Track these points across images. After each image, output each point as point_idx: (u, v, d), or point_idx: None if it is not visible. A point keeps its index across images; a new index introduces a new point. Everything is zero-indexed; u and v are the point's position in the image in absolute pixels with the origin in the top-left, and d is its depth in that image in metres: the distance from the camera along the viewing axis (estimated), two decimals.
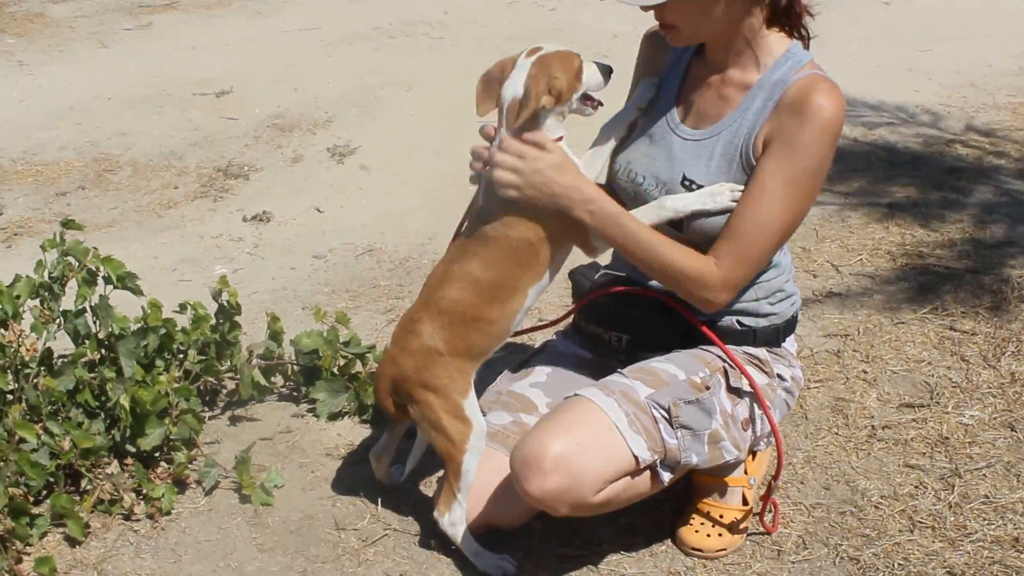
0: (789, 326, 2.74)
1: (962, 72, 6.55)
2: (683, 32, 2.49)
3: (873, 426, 3.20)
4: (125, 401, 2.77)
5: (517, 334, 2.83)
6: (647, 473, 2.46)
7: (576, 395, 2.50)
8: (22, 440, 2.62)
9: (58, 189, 5.09)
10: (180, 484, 2.89)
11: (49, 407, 2.85)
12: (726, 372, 2.57)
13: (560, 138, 2.51)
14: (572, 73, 2.47)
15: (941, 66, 6.65)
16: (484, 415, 2.81)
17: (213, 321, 3.22)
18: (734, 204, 2.47)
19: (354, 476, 2.95)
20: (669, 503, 2.82)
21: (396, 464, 2.88)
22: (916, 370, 3.49)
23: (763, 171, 2.45)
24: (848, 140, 5.49)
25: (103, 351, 3.04)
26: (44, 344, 3.00)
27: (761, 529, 2.76)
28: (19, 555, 2.59)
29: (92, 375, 2.94)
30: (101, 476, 2.81)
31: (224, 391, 3.34)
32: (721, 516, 2.70)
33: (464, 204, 4.77)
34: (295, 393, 3.36)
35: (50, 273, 3.07)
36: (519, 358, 2.94)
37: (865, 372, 3.48)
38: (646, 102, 2.66)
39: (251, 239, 4.64)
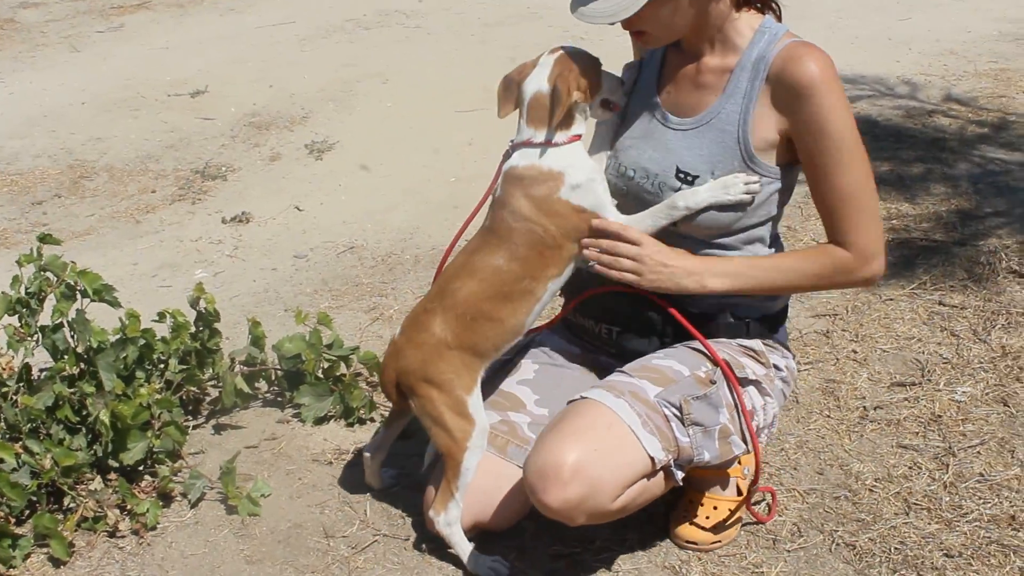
0: (782, 314, 2.71)
1: (942, 40, 6.52)
2: (654, 35, 2.47)
3: (865, 407, 3.17)
4: (105, 416, 2.73)
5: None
6: (660, 474, 2.42)
7: (584, 398, 2.45)
8: (0, 461, 2.57)
9: (34, 198, 5.04)
10: (165, 497, 2.85)
11: (28, 425, 2.80)
12: (728, 364, 2.53)
13: (579, 136, 2.49)
14: (595, 74, 2.47)
15: (920, 35, 6.63)
16: None
17: (193, 329, 3.17)
18: (748, 196, 2.44)
19: (342, 481, 2.91)
20: (662, 497, 2.78)
21: (386, 468, 2.84)
22: (906, 347, 3.46)
23: (810, 159, 2.43)
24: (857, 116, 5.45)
25: (82, 365, 2.99)
26: (22, 361, 2.95)
27: (756, 520, 2.72)
28: None
29: (72, 390, 2.89)
30: (84, 493, 2.77)
31: (207, 399, 3.29)
32: (716, 508, 2.66)
33: (446, 197, 4.74)
34: (279, 399, 3.32)
35: (27, 289, 3.02)
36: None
37: (855, 352, 3.45)
38: (630, 88, 2.62)
39: (231, 241, 4.59)
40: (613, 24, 2.40)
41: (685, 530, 2.65)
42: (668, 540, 2.69)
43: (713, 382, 2.49)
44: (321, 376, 3.23)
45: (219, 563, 2.65)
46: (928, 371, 3.32)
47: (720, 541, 2.65)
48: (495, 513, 2.62)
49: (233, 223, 4.74)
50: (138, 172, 5.29)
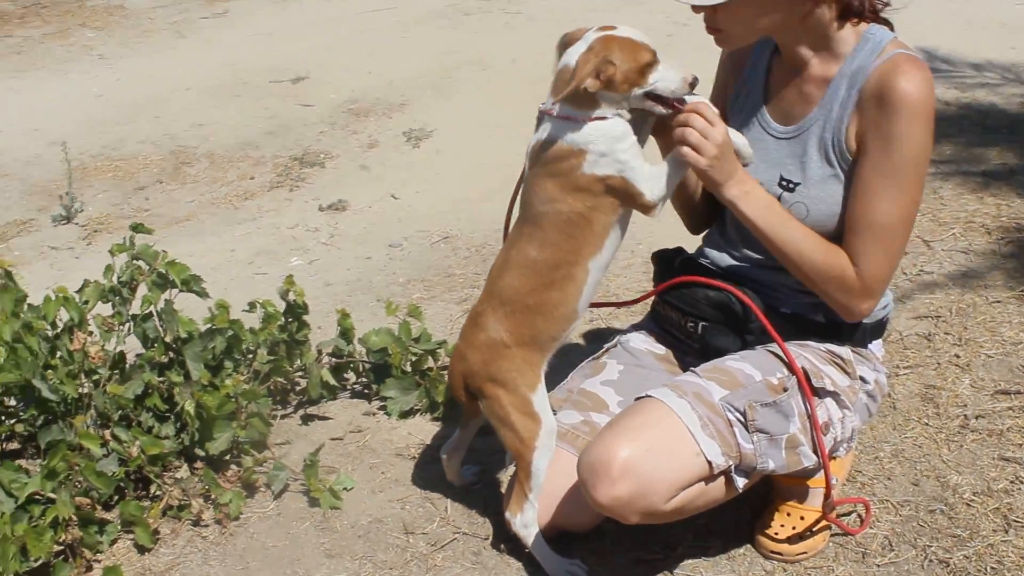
0: (877, 329, 2.61)
1: None
2: (731, 34, 2.38)
3: (966, 415, 3.04)
4: (190, 406, 2.75)
5: (595, 306, 2.71)
6: (721, 479, 2.36)
7: (647, 396, 2.40)
8: (83, 450, 2.61)
9: (136, 184, 5.13)
10: (249, 488, 2.87)
11: (118, 412, 2.85)
12: (806, 372, 2.45)
13: (606, 118, 2.35)
14: (635, 65, 2.30)
15: None
16: (554, 413, 2.75)
17: (282, 321, 3.18)
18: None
19: (424, 477, 2.90)
20: (749, 504, 2.71)
21: (467, 464, 2.82)
22: (1012, 353, 3.31)
23: (863, 170, 2.33)
24: (939, 103, 5.26)
25: (171, 354, 3.02)
26: (116, 349, 3.00)
27: (847, 532, 2.63)
28: (89, 563, 2.60)
29: (161, 379, 2.92)
30: (170, 481, 2.80)
31: (295, 390, 3.31)
32: (802, 518, 2.59)
33: None
34: (367, 391, 3.32)
35: (119, 278, 3.07)
36: (591, 353, 2.85)
37: (957, 356, 3.32)
38: (726, 92, 2.57)
39: (327, 228, 4.62)
40: (698, 11, 2.32)
41: (769, 540, 2.58)
42: (753, 549, 2.61)
43: (786, 389, 2.40)
44: (408, 369, 3.22)
45: (299, 556, 2.66)
46: None
47: (805, 552, 2.57)
48: (574, 515, 2.58)
49: (329, 211, 4.76)
50: (238, 159, 5.36)
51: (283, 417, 3.22)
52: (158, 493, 2.79)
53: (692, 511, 2.38)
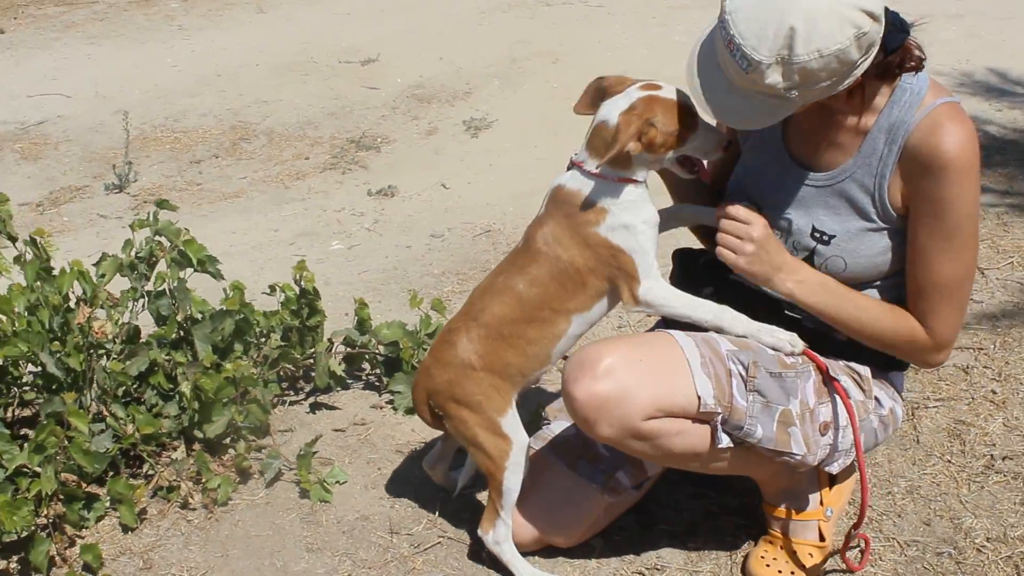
0: (900, 361, 2.48)
1: None
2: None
3: (992, 455, 2.89)
4: (187, 388, 2.74)
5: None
6: (706, 429, 2.25)
7: (657, 329, 2.35)
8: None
9: (193, 157, 5.17)
10: (243, 474, 2.85)
11: (122, 388, 2.85)
12: (828, 369, 2.36)
13: (634, 181, 2.31)
14: (675, 128, 2.26)
15: None
16: (548, 423, 2.68)
17: (295, 307, 3.15)
18: (788, 353, 2.32)
19: (419, 476, 2.84)
20: (744, 531, 2.62)
21: (456, 468, 2.77)
22: None
23: (919, 236, 2.25)
24: (1018, 128, 5.05)
25: (182, 333, 3.02)
26: (128, 324, 3.00)
27: (843, 566, 2.52)
28: (71, 539, 2.60)
29: (167, 358, 2.92)
30: (167, 461, 2.80)
31: (306, 377, 3.28)
32: (794, 551, 2.48)
33: None
34: (379, 383, 3.28)
35: (137, 253, 3.07)
36: None
37: (994, 393, 3.16)
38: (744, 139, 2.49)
39: (372, 214, 4.60)
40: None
41: (760, 570, 2.47)
42: None
43: (795, 370, 2.31)
44: (418, 365, 3.17)
45: (280, 547, 2.63)
46: None
47: None
48: (561, 529, 2.52)
49: (378, 196, 4.74)
50: (296, 137, 5.36)
51: (292, 404, 3.20)
52: (150, 472, 2.78)
53: (667, 450, 2.26)
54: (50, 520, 2.55)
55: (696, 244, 2.67)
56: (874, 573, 2.53)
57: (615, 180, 2.30)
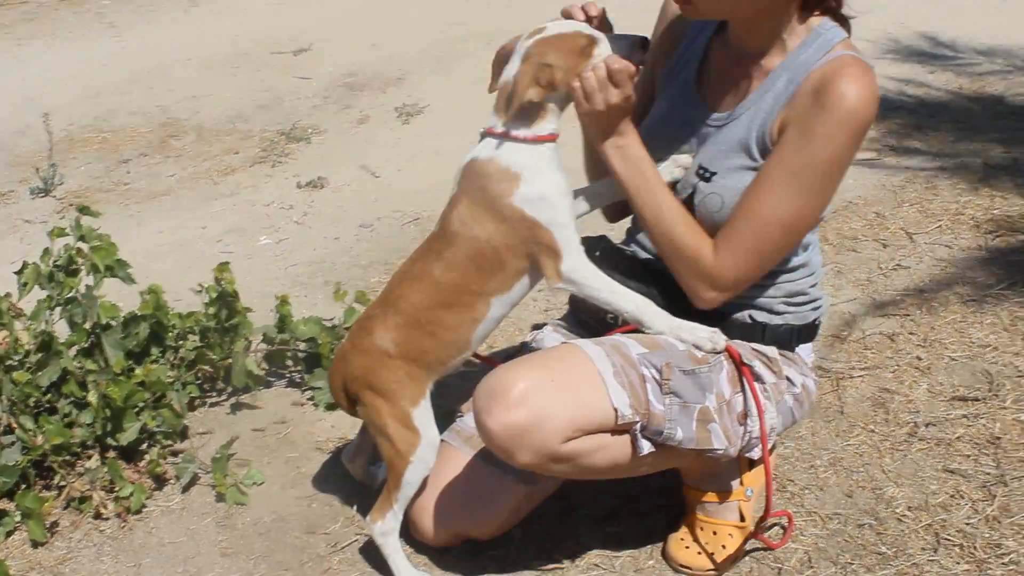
0: (806, 332, 2.45)
1: None
2: (700, 6, 2.22)
3: (916, 423, 2.88)
4: (93, 397, 2.69)
5: (477, 357, 2.58)
6: (626, 438, 2.20)
7: (564, 343, 2.30)
8: None
9: (120, 156, 5.09)
10: (159, 480, 2.80)
11: (33, 399, 2.79)
12: (740, 356, 2.32)
13: (551, 136, 2.25)
14: (573, 57, 2.18)
15: None
16: (462, 416, 2.64)
17: (214, 308, 3.10)
18: (715, 350, 2.27)
19: (338, 474, 2.80)
20: (665, 512, 2.60)
21: (377, 463, 2.73)
22: (978, 356, 3.14)
23: (770, 160, 2.19)
24: (951, 91, 5.06)
25: (94, 340, 2.96)
26: (40, 333, 2.94)
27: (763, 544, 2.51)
28: None
29: (79, 366, 2.86)
30: (81, 471, 2.75)
31: (225, 377, 3.23)
32: (715, 532, 2.46)
33: None
34: (301, 380, 3.24)
35: (55, 262, 3.01)
36: (504, 354, 2.73)
37: (919, 359, 3.15)
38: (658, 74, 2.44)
39: (302, 207, 4.54)
40: None
41: (680, 553, 2.46)
42: (663, 562, 2.50)
43: (708, 364, 2.26)
44: None
45: (194, 554, 2.59)
46: (997, 385, 3.00)
47: (716, 570, 2.44)
48: (479, 522, 2.49)
49: (308, 188, 4.68)
50: (225, 132, 5.29)
51: (213, 405, 3.15)
52: (62, 484, 2.73)
53: (589, 467, 2.21)
54: None
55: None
56: (795, 549, 2.51)
57: (528, 140, 2.23)
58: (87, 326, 2.92)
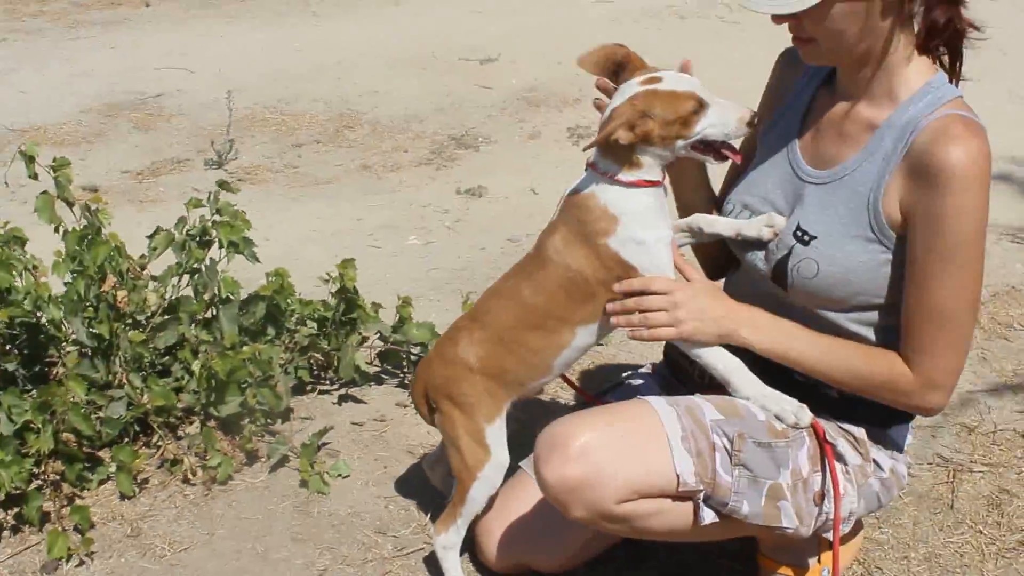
0: (902, 413, 2.31)
1: None
2: (821, 47, 2.11)
3: None
4: (196, 367, 2.78)
5: (564, 380, 2.58)
6: (688, 505, 2.12)
7: (637, 398, 2.23)
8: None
9: (295, 140, 5.26)
10: (250, 456, 2.87)
11: (148, 358, 2.90)
12: (825, 433, 2.21)
13: (653, 183, 2.19)
14: (676, 117, 2.11)
15: None
16: None
17: (335, 300, 3.17)
18: (797, 426, 2.18)
19: (421, 479, 2.80)
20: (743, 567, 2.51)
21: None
22: None
23: (916, 255, 2.07)
24: None
25: (214, 312, 3.06)
26: (168, 298, 3.06)
27: None
28: (71, 498, 2.66)
29: (195, 335, 2.97)
30: (181, 434, 2.85)
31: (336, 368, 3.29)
32: None
33: None
34: (408, 382, 3.27)
35: (188, 231, 3.12)
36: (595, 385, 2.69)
37: None
38: (769, 123, 2.34)
39: (456, 212, 4.59)
40: (780, 22, 2.08)
41: None
42: None
43: (787, 438, 2.16)
44: None
45: (266, 533, 2.64)
46: None
47: None
48: (543, 553, 2.46)
49: (466, 195, 4.73)
50: (399, 130, 5.40)
51: (322, 393, 3.21)
52: (159, 444, 2.83)
53: (646, 530, 2.14)
54: (49, 479, 2.62)
55: None
56: None
57: (628, 184, 2.18)
58: (206, 297, 3.02)
